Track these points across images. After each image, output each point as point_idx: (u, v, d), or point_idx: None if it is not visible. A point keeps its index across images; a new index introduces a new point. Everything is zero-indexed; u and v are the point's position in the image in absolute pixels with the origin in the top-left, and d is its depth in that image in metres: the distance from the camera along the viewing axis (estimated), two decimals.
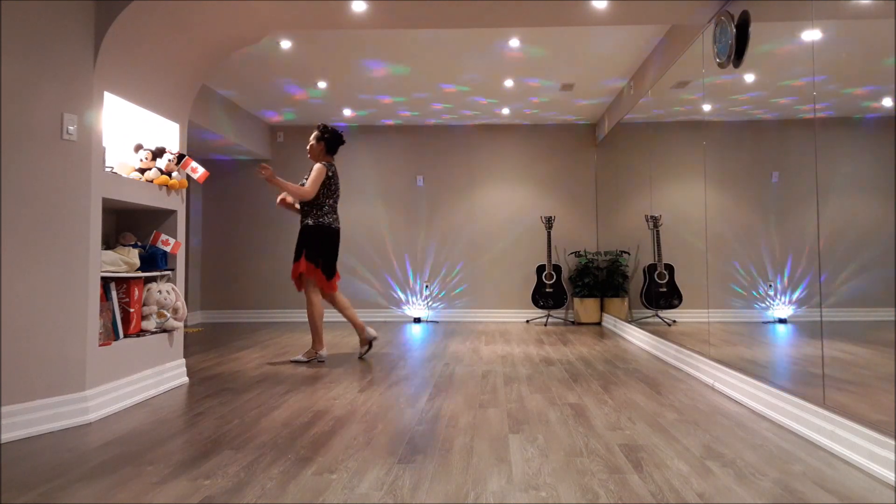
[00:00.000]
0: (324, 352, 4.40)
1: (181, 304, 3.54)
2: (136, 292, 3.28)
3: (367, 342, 4.54)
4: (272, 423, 2.71)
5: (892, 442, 1.96)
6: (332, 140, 4.47)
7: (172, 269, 3.60)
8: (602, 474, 2.04)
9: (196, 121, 5.49)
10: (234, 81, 5.68)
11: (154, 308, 3.39)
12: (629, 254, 5.75)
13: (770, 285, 2.91)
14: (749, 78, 3.10)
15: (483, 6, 3.43)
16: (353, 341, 5.44)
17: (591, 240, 7.34)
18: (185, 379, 3.67)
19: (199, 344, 5.35)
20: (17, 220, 2.56)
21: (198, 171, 3.63)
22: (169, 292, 3.45)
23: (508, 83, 5.72)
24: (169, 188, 3.52)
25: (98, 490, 1.93)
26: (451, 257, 7.40)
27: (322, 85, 5.80)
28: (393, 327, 6.61)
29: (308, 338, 5.64)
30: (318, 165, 4.32)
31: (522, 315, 7.29)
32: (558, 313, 7.24)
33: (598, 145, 7.21)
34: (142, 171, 3.38)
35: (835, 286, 2.36)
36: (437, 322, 7.17)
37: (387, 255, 7.40)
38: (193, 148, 6.64)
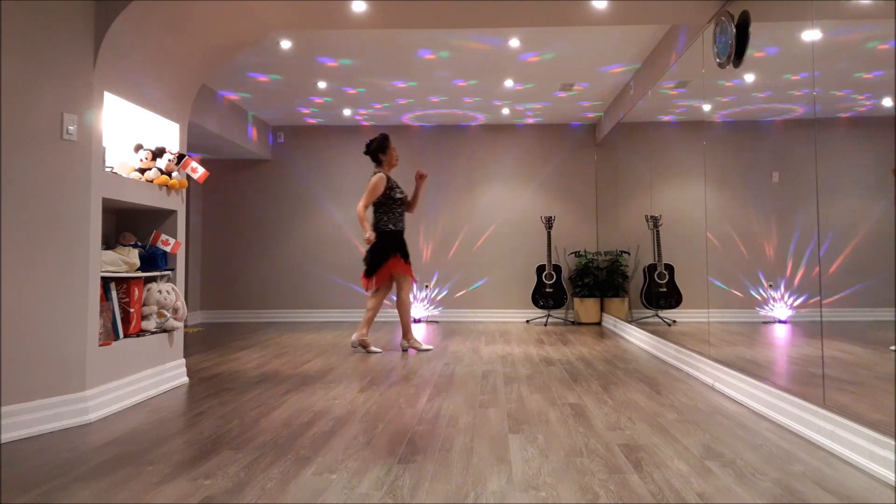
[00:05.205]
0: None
1: (181, 304, 3.54)
2: (136, 292, 3.28)
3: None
4: (272, 423, 2.71)
5: (892, 442, 1.96)
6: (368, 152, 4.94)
7: (172, 269, 3.59)
8: (602, 474, 2.04)
9: (196, 121, 5.49)
10: (234, 82, 5.68)
11: (154, 308, 3.39)
12: (629, 254, 5.76)
13: (770, 285, 2.91)
14: (749, 78, 3.10)
15: (483, 6, 3.42)
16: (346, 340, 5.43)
17: (591, 240, 7.34)
18: (185, 379, 3.67)
19: (199, 344, 5.35)
20: (17, 220, 2.56)
21: (198, 171, 3.63)
22: (169, 292, 3.45)
23: (508, 83, 5.72)
24: (169, 188, 3.52)
25: (98, 490, 1.93)
26: (450, 257, 7.39)
27: (322, 85, 5.80)
28: (393, 327, 6.61)
29: (309, 337, 5.64)
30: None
31: (522, 315, 7.29)
32: (558, 313, 7.24)
33: (598, 145, 7.20)
34: (142, 171, 3.38)
35: (834, 286, 2.36)
36: (437, 322, 7.17)
37: None
38: (193, 148, 6.64)
